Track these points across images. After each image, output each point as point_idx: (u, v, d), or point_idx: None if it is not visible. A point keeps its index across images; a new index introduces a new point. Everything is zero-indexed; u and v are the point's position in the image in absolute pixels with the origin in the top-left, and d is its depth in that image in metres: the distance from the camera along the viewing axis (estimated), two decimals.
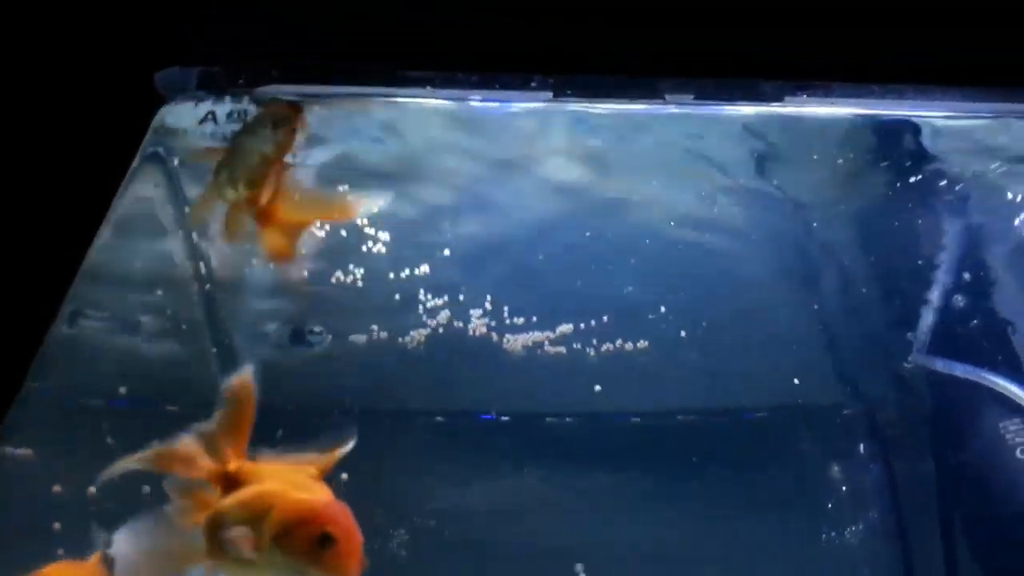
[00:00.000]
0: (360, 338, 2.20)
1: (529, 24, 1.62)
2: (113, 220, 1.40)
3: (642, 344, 2.33)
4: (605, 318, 2.33)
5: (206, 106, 1.47)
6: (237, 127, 1.44)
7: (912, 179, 2.30)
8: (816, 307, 2.47)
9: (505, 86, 1.70)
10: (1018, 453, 1.92)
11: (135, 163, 1.41)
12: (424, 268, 2.27)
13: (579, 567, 2.15)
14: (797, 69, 1.83)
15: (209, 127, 1.46)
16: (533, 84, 1.68)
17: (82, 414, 1.90)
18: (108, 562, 1.43)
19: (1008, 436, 1.95)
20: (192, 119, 1.47)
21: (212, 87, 1.54)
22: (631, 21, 1.69)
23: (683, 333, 2.35)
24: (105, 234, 1.38)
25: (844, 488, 2.39)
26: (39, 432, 1.81)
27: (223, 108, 1.47)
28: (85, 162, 1.46)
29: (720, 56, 1.80)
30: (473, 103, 1.71)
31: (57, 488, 1.78)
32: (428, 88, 1.62)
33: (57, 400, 1.80)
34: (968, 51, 1.76)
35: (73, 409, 1.88)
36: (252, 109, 1.47)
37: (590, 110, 1.88)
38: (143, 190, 1.54)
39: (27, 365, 1.42)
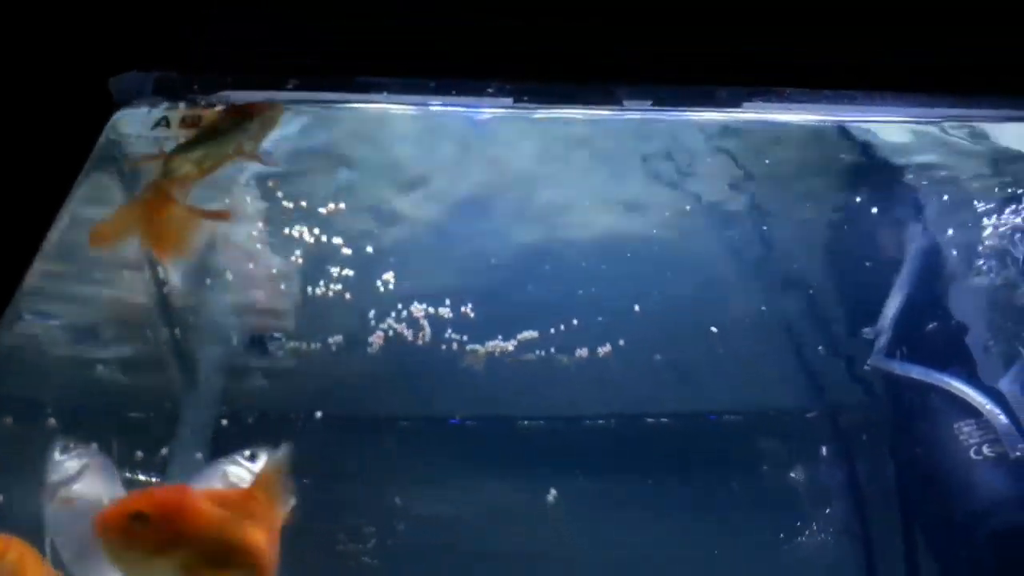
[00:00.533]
0: (322, 344, 2.21)
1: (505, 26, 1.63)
2: (64, 222, 1.40)
3: (611, 348, 2.37)
4: (575, 322, 2.37)
5: (159, 112, 1.47)
6: (189, 133, 1.44)
7: (869, 184, 2.34)
8: (781, 314, 2.51)
9: (463, 92, 1.71)
10: (972, 453, 1.95)
11: (86, 168, 1.41)
12: (389, 275, 2.30)
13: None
14: (756, 72, 1.86)
15: (162, 132, 1.46)
16: (490, 90, 1.69)
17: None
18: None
19: (963, 437, 1.98)
20: (146, 125, 1.47)
21: (167, 93, 1.54)
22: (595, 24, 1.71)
23: (652, 338, 2.39)
24: (54, 237, 1.37)
25: (808, 488, 2.44)
26: None
27: (174, 115, 1.47)
28: (36, 167, 1.46)
29: (682, 58, 1.82)
30: (434, 108, 1.72)
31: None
32: (387, 95, 1.64)
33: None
34: (922, 54, 1.79)
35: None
36: (204, 115, 1.47)
37: (551, 115, 1.89)
38: (94, 194, 1.54)
39: None
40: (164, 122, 1.48)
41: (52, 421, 1.87)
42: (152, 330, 2.11)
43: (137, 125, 1.49)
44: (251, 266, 2.14)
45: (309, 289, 2.22)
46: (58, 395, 1.95)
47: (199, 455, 2.12)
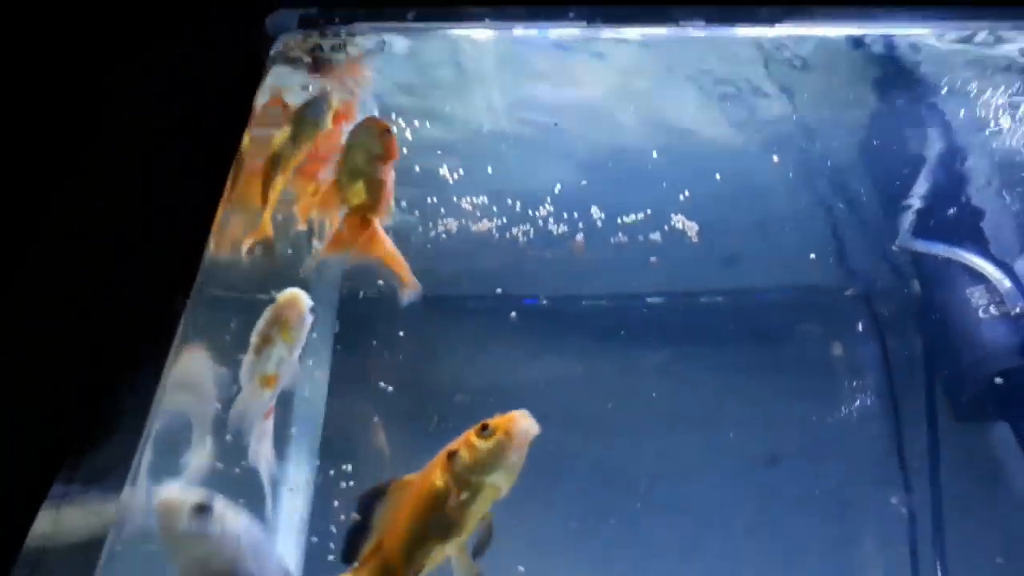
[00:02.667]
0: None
1: None
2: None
3: (665, 235, 2.64)
4: (636, 215, 2.64)
5: (313, 40, 1.87)
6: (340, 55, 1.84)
7: (899, 89, 2.63)
8: (821, 205, 2.77)
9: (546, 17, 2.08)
10: (980, 313, 2.30)
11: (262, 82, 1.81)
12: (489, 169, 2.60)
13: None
14: None
15: (319, 55, 1.86)
16: (571, 15, 2.06)
17: None
18: None
19: (973, 300, 2.32)
20: (303, 49, 1.87)
21: (311, 27, 1.94)
22: None
23: (704, 227, 2.65)
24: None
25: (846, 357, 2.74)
26: None
27: (327, 40, 1.87)
28: (220, 86, 1.86)
29: None
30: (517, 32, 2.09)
31: None
32: (485, 21, 2.01)
33: None
34: None
35: None
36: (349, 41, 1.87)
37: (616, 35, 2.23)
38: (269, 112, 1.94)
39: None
40: (319, 47, 1.89)
41: None
42: None
43: (295, 51, 1.88)
44: None
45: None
46: None
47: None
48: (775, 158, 2.71)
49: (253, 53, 1.92)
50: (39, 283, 1.64)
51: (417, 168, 2.47)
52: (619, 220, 2.64)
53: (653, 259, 2.63)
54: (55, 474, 1.56)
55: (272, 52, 1.87)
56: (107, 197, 1.66)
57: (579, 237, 2.59)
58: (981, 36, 2.44)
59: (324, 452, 2.30)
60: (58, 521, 1.61)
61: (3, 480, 1.52)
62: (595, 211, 2.63)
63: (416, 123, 2.35)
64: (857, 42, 2.50)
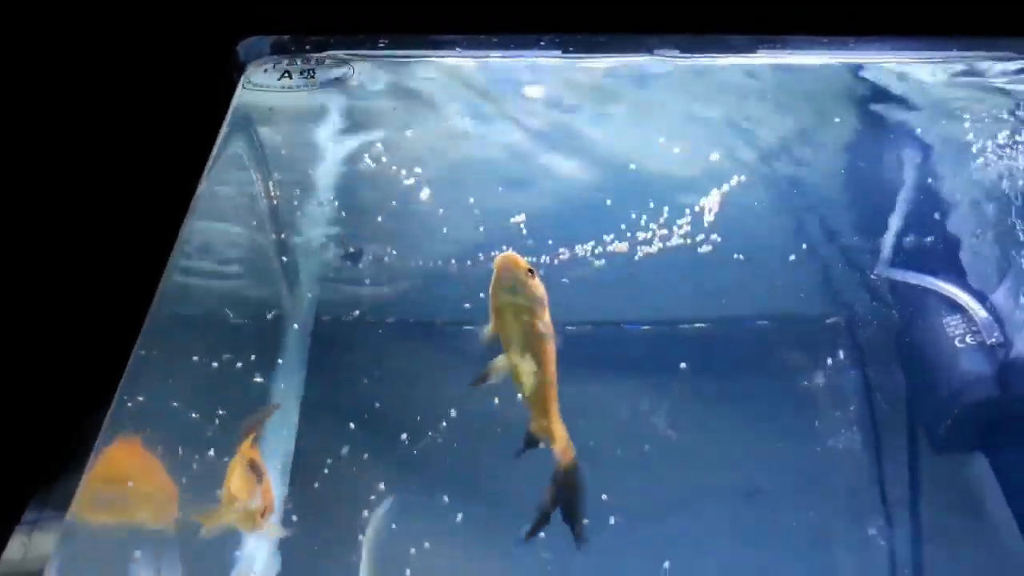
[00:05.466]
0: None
1: None
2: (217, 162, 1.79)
3: (643, 264, 2.63)
4: (618, 241, 2.63)
5: (282, 66, 1.88)
6: (306, 81, 1.85)
7: (878, 117, 2.64)
8: (804, 235, 2.78)
9: (519, 46, 2.09)
10: (956, 343, 2.29)
11: (229, 113, 1.82)
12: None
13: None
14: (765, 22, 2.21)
15: (285, 81, 1.87)
16: (542, 43, 2.07)
17: None
18: None
19: (949, 329, 2.32)
20: (272, 77, 1.88)
21: (283, 52, 1.95)
22: None
23: (686, 257, 2.65)
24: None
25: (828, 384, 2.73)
26: None
27: (295, 67, 1.88)
28: (187, 114, 1.87)
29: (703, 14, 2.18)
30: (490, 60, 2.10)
31: None
32: (456, 49, 2.02)
33: None
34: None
35: None
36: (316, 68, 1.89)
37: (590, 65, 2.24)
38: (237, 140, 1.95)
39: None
40: (287, 74, 1.89)
41: None
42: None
43: (263, 77, 1.89)
44: None
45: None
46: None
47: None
48: (756, 188, 2.73)
49: (225, 78, 1.93)
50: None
51: (392, 201, 2.48)
52: (599, 248, 2.65)
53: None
54: (27, 501, 1.56)
55: (243, 77, 1.88)
56: (71, 217, 1.66)
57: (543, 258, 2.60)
58: (961, 65, 2.46)
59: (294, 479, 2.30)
60: (29, 547, 1.60)
61: None
62: (573, 238, 2.63)
63: (385, 150, 2.37)
64: (836, 71, 2.52)
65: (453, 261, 2.61)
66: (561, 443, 1.75)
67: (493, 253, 2.62)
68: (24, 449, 1.61)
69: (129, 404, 1.54)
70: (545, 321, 1.72)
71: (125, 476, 1.61)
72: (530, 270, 1.64)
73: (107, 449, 1.58)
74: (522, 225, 2.61)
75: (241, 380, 2.43)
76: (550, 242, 2.61)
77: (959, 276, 2.44)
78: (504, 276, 1.65)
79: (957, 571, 2.25)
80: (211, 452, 2.11)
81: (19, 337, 1.64)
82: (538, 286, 1.69)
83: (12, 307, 1.64)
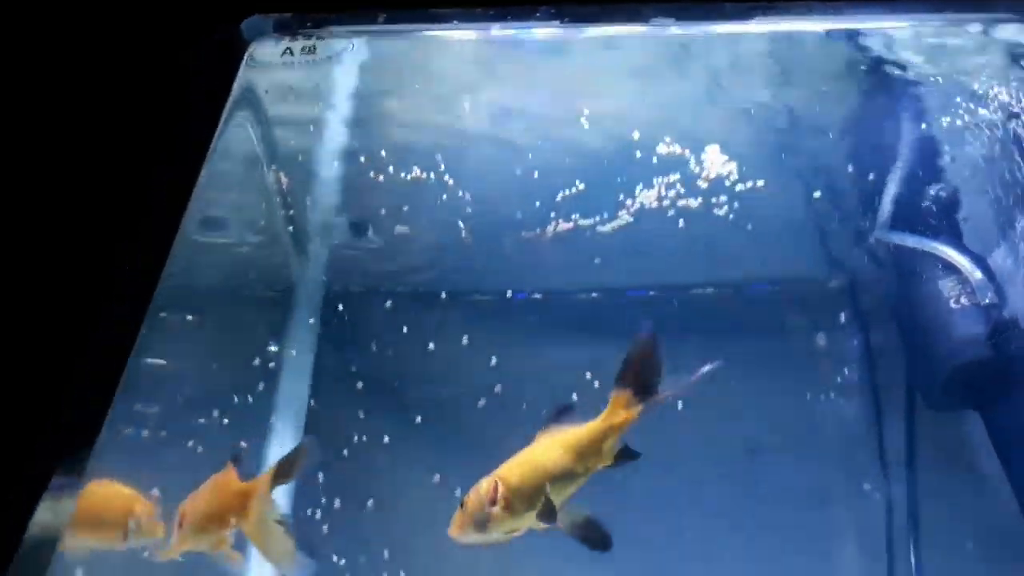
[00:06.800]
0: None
1: None
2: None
3: (648, 229, 2.68)
4: (621, 208, 2.68)
5: (284, 44, 1.94)
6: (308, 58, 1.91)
7: (877, 82, 2.66)
8: (806, 198, 2.80)
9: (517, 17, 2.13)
10: (951, 304, 2.33)
11: (234, 90, 1.87)
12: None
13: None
14: None
15: (287, 58, 1.94)
16: (538, 15, 2.11)
17: None
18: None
19: (945, 291, 2.35)
20: (275, 54, 1.95)
21: (286, 30, 2.00)
22: None
23: (685, 219, 2.69)
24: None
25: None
26: None
27: (297, 44, 1.94)
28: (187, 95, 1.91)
29: None
30: (488, 33, 2.14)
31: None
32: (454, 22, 2.07)
33: None
34: None
35: None
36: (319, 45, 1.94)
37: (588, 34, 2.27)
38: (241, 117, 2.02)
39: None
40: (289, 51, 1.95)
41: None
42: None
43: (266, 55, 1.95)
44: None
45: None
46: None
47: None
48: (757, 152, 2.75)
49: (228, 57, 1.98)
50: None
51: (397, 173, 2.53)
52: (603, 215, 2.69)
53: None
54: (55, 467, 1.61)
55: (247, 55, 1.93)
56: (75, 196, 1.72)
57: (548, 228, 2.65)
58: (959, 28, 2.46)
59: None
60: (57, 511, 1.68)
61: (5, 473, 1.57)
62: (577, 206, 2.67)
63: (388, 126, 2.42)
64: (834, 36, 2.53)
65: (460, 231, 2.66)
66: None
67: (499, 222, 2.72)
68: (49, 415, 1.66)
69: (141, 374, 1.60)
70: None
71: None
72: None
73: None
74: (526, 194, 2.66)
75: (254, 350, 2.52)
76: (553, 212, 2.67)
77: (957, 239, 2.47)
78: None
79: (951, 524, 2.32)
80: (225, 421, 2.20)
81: (35, 311, 1.70)
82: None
83: (26, 282, 1.69)
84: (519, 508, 1.54)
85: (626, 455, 1.68)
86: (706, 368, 1.64)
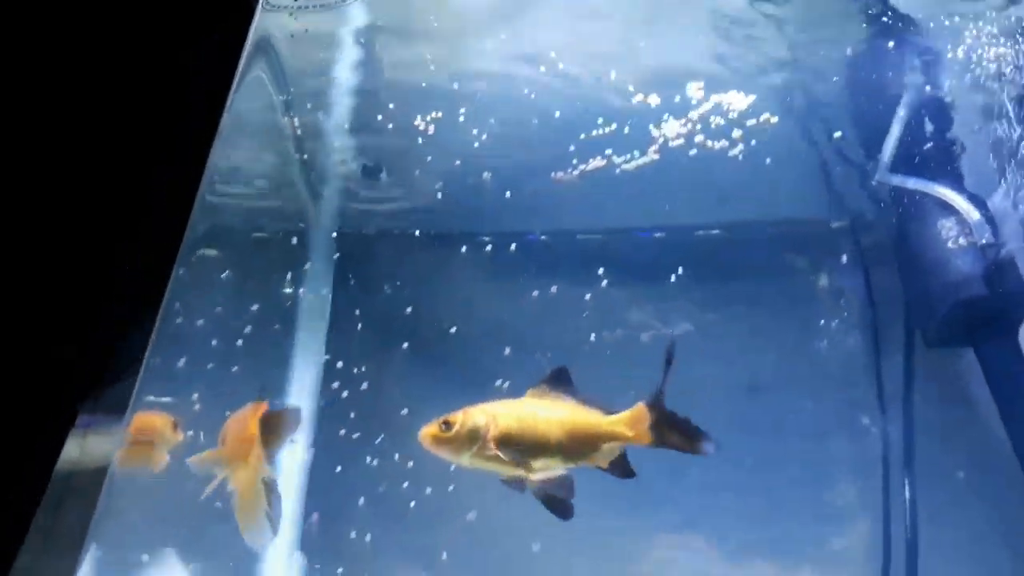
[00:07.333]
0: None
1: None
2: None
3: (653, 170, 2.71)
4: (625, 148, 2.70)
5: None
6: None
7: (883, 26, 2.68)
8: (808, 139, 2.83)
9: None
10: (950, 244, 2.39)
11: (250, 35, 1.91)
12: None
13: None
14: None
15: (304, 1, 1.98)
16: None
17: None
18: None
19: (943, 232, 2.41)
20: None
21: None
22: None
23: (689, 160, 2.72)
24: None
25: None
26: None
27: None
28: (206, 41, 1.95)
29: None
30: None
31: None
32: None
33: None
34: None
35: None
36: None
37: None
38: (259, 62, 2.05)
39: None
40: None
41: None
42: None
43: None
44: None
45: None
46: None
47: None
48: (762, 96, 2.78)
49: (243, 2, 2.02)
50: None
51: (409, 116, 2.56)
52: (609, 156, 2.72)
53: None
54: (81, 406, 1.69)
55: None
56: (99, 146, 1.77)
57: (560, 174, 2.68)
58: None
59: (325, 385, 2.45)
60: (84, 447, 1.77)
61: (35, 412, 1.65)
62: (589, 148, 2.70)
63: (401, 68, 2.44)
64: None
65: (472, 173, 2.70)
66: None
67: (510, 164, 2.75)
68: (76, 358, 1.75)
69: (172, 317, 1.68)
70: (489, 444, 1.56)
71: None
72: (444, 422, 1.55)
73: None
74: (538, 135, 2.69)
75: (272, 290, 2.59)
76: (565, 154, 2.68)
77: (957, 180, 2.51)
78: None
79: (945, 457, 2.41)
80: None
81: (65, 255, 1.77)
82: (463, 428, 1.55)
83: (57, 229, 1.76)
84: (500, 452, 1.54)
85: (622, 470, 1.63)
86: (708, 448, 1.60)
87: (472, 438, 1.54)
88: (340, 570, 2.16)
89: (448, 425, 1.53)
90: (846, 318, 2.71)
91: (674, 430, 1.60)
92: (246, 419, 1.71)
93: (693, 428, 1.61)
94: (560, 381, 1.63)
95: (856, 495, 2.45)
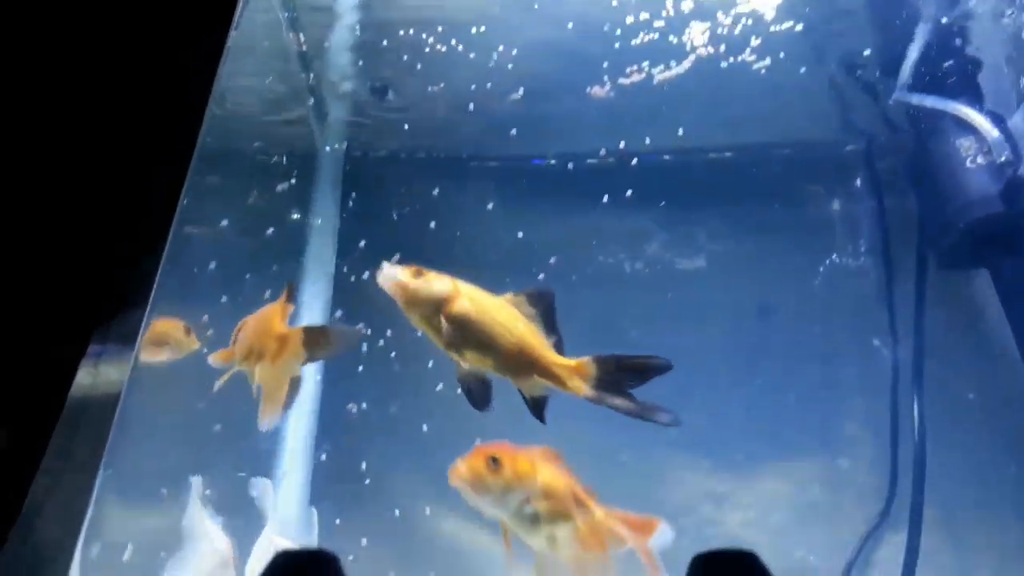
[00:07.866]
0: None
1: None
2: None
3: (669, 94, 2.67)
4: (639, 72, 2.67)
5: None
6: None
7: None
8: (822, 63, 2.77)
9: None
10: (967, 163, 2.35)
11: None
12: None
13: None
14: None
15: None
16: None
17: None
18: None
19: (962, 151, 2.37)
20: None
21: None
22: None
23: (711, 86, 2.68)
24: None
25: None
26: None
27: None
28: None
29: None
30: None
31: None
32: None
33: None
34: None
35: None
36: None
37: None
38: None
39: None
40: None
41: None
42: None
43: None
44: None
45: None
46: None
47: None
48: (776, 17, 2.71)
49: None
50: None
51: (418, 38, 2.52)
52: (623, 79, 2.69)
53: None
54: (91, 335, 1.69)
55: None
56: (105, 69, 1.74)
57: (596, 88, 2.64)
58: None
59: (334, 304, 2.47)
60: (96, 376, 1.79)
61: (46, 339, 1.65)
62: (598, 71, 2.66)
63: None
64: None
65: (478, 97, 2.67)
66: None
67: (519, 90, 2.72)
68: (85, 286, 1.75)
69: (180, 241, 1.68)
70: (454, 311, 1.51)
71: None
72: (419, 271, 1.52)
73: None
74: (548, 59, 2.64)
75: (280, 214, 2.58)
76: (575, 77, 2.65)
77: (976, 99, 2.46)
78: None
79: (955, 380, 2.41)
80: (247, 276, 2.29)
81: (73, 183, 1.75)
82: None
83: (68, 153, 1.74)
84: (445, 327, 1.49)
85: (534, 411, 1.54)
86: (661, 418, 1.53)
87: (428, 300, 1.51)
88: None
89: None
90: (858, 241, 2.75)
91: (620, 395, 1.50)
92: (268, 317, 1.72)
93: (648, 403, 1.50)
94: (541, 300, 1.55)
95: (864, 417, 2.47)
